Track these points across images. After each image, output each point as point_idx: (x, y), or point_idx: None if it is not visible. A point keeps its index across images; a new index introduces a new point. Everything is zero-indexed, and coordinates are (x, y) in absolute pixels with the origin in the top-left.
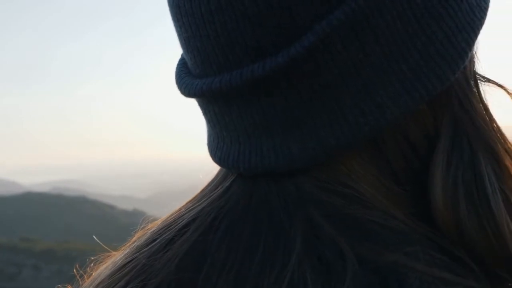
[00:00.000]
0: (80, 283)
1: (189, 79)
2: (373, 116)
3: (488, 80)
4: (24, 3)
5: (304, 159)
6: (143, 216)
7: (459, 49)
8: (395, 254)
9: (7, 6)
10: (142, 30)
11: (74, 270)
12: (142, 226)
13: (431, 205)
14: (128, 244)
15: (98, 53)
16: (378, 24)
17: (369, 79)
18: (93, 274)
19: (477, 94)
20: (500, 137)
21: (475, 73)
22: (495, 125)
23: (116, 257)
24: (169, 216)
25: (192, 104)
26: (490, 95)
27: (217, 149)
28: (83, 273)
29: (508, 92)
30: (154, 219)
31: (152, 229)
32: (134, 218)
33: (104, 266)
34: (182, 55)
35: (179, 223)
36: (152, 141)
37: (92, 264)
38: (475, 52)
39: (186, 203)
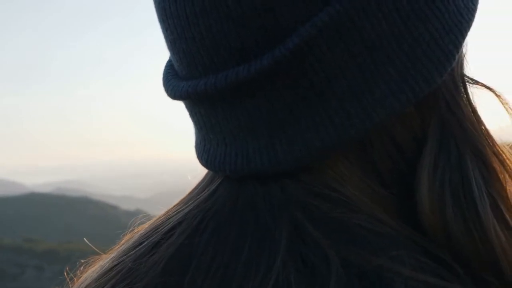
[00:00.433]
0: (70, 286)
1: (175, 81)
2: (359, 118)
3: (476, 82)
4: (24, 3)
5: (290, 161)
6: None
7: (446, 51)
8: (381, 258)
9: (7, 6)
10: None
11: (65, 273)
12: (130, 229)
13: (417, 208)
14: (116, 247)
15: (98, 53)
16: (363, 26)
17: (355, 81)
18: (81, 277)
19: (465, 96)
20: (488, 140)
21: (463, 75)
22: (483, 127)
23: (103, 261)
24: (157, 219)
25: None
26: (478, 97)
27: (203, 152)
28: (73, 276)
29: (496, 94)
30: (142, 223)
31: (140, 232)
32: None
33: (92, 269)
34: (170, 57)
35: (165, 226)
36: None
37: (82, 267)
38: (464, 54)
39: (174, 206)
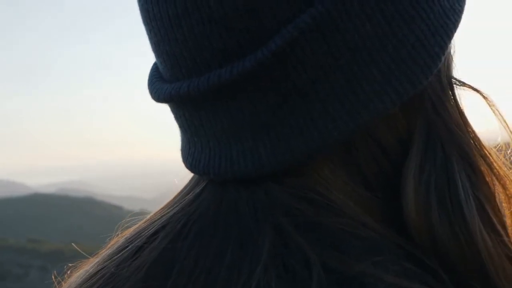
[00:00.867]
0: None
1: (159, 84)
2: (343, 121)
3: (464, 84)
4: (28, 5)
5: (273, 164)
6: None
7: (431, 53)
8: (363, 264)
9: (12, 8)
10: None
11: (53, 277)
12: (117, 232)
13: (403, 211)
14: (101, 251)
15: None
16: (346, 27)
17: (339, 83)
18: (67, 282)
19: (452, 98)
20: (475, 142)
21: (450, 76)
22: (470, 129)
23: (88, 265)
24: (143, 222)
25: None
26: (466, 99)
27: (188, 155)
28: (61, 280)
29: (483, 96)
30: (128, 226)
31: (125, 236)
32: (141, 219)
33: (77, 274)
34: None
35: (149, 230)
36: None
37: (69, 271)
38: (451, 56)
39: (159, 209)
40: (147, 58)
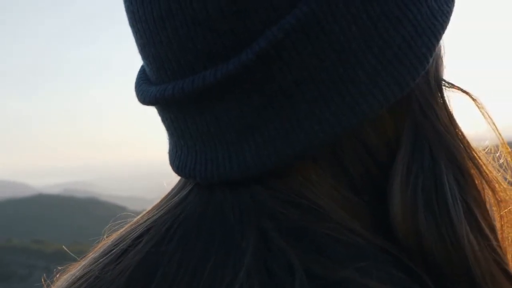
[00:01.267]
0: None
1: (145, 86)
2: (329, 123)
3: (452, 86)
4: (33, 7)
5: (259, 167)
6: None
7: (419, 54)
8: (347, 270)
9: (19, 10)
10: None
11: (42, 280)
12: (105, 235)
13: (389, 214)
14: (89, 254)
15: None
16: (332, 29)
17: (325, 85)
18: (55, 286)
19: (440, 100)
20: (464, 144)
21: (439, 78)
22: (459, 131)
23: (75, 269)
24: (130, 225)
25: None
26: (456, 101)
27: (175, 158)
28: (50, 283)
29: (472, 98)
30: (115, 230)
31: (112, 239)
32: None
33: (64, 277)
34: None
35: (135, 233)
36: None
37: (58, 275)
38: (441, 57)
39: (146, 212)
40: None
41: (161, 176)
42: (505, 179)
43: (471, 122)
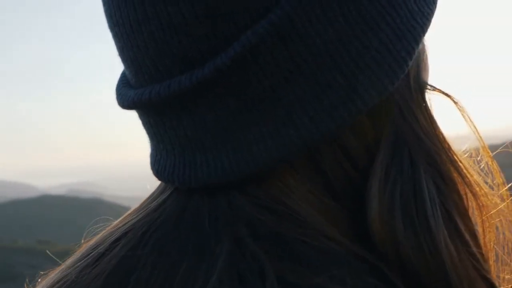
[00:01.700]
0: None
1: (125, 90)
2: (306, 129)
3: (434, 89)
4: (40, 8)
5: (236, 173)
6: None
7: (398, 58)
8: (320, 277)
9: (24, 12)
10: None
11: (25, 285)
12: (86, 239)
13: (367, 220)
14: (69, 258)
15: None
16: (308, 33)
17: (302, 90)
18: None
19: (421, 103)
20: (445, 148)
21: (420, 81)
22: (440, 135)
23: (54, 273)
24: (110, 228)
25: None
26: (437, 103)
27: (155, 162)
28: (32, 287)
29: (454, 101)
30: (98, 233)
31: (91, 242)
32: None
33: (44, 281)
34: None
35: (113, 236)
36: None
37: (39, 279)
38: (424, 59)
39: (125, 215)
40: None
41: None
42: (486, 183)
43: (453, 125)
